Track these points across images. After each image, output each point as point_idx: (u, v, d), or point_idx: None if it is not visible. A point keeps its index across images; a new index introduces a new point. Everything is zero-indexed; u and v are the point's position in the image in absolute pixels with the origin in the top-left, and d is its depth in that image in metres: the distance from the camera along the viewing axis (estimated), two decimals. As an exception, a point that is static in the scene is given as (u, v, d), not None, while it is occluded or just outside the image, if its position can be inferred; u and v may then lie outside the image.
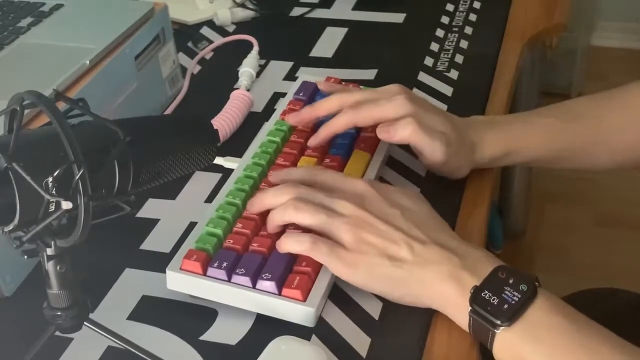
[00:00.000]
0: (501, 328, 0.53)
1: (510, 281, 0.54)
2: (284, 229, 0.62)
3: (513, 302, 0.53)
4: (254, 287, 0.58)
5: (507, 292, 0.54)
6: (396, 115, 0.67)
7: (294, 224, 0.61)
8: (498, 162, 0.72)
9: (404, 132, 0.67)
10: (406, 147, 0.71)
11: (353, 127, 0.70)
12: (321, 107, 0.71)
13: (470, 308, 0.54)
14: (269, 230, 0.62)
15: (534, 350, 0.53)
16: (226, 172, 0.74)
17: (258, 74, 0.92)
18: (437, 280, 0.56)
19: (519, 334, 0.53)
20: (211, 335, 0.59)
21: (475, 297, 0.54)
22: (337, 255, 0.58)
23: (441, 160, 0.68)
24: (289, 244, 0.59)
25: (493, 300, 0.54)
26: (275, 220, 0.61)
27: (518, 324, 0.53)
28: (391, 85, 0.70)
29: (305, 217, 0.60)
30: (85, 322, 0.52)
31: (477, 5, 1.05)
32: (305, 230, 0.61)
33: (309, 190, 0.62)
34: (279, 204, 0.61)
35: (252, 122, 0.82)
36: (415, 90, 0.86)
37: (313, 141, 0.70)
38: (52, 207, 0.45)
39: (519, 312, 0.53)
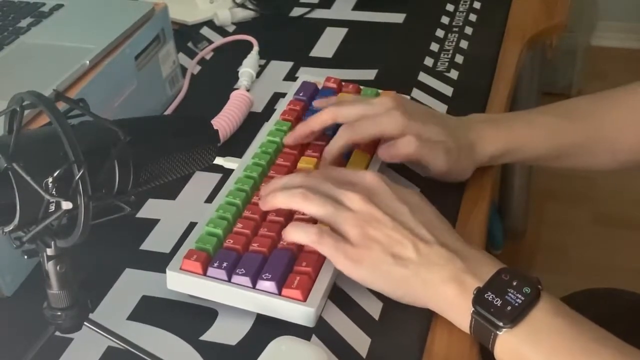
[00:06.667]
0: (504, 330, 0.53)
1: (514, 283, 0.54)
2: (286, 222, 0.62)
3: (517, 304, 0.53)
4: (254, 287, 0.58)
5: (510, 294, 0.54)
6: (394, 132, 0.67)
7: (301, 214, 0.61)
8: (499, 160, 0.72)
9: (408, 150, 0.67)
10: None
11: (352, 144, 0.69)
12: (315, 122, 0.70)
13: (472, 309, 0.54)
14: (262, 207, 0.62)
15: (536, 352, 0.53)
16: (226, 173, 0.74)
17: (258, 74, 0.92)
18: (440, 282, 0.56)
19: (521, 336, 0.53)
20: (211, 335, 0.59)
21: (479, 299, 0.54)
22: (342, 249, 0.57)
23: (445, 169, 0.68)
24: (296, 233, 0.59)
25: (496, 302, 0.53)
26: (276, 203, 0.61)
27: (520, 326, 0.53)
28: (385, 97, 0.69)
29: (312, 207, 0.59)
30: (85, 322, 0.52)
31: (477, 5, 1.05)
32: (312, 222, 0.60)
33: (319, 180, 0.61)
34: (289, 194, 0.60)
35: (252, 122, 0.82)
36: (415, 90, 0.86)
37: (322, 163, 0.68)
38: (52, 208, 0.45)
39: (522, 315, 0.53)
